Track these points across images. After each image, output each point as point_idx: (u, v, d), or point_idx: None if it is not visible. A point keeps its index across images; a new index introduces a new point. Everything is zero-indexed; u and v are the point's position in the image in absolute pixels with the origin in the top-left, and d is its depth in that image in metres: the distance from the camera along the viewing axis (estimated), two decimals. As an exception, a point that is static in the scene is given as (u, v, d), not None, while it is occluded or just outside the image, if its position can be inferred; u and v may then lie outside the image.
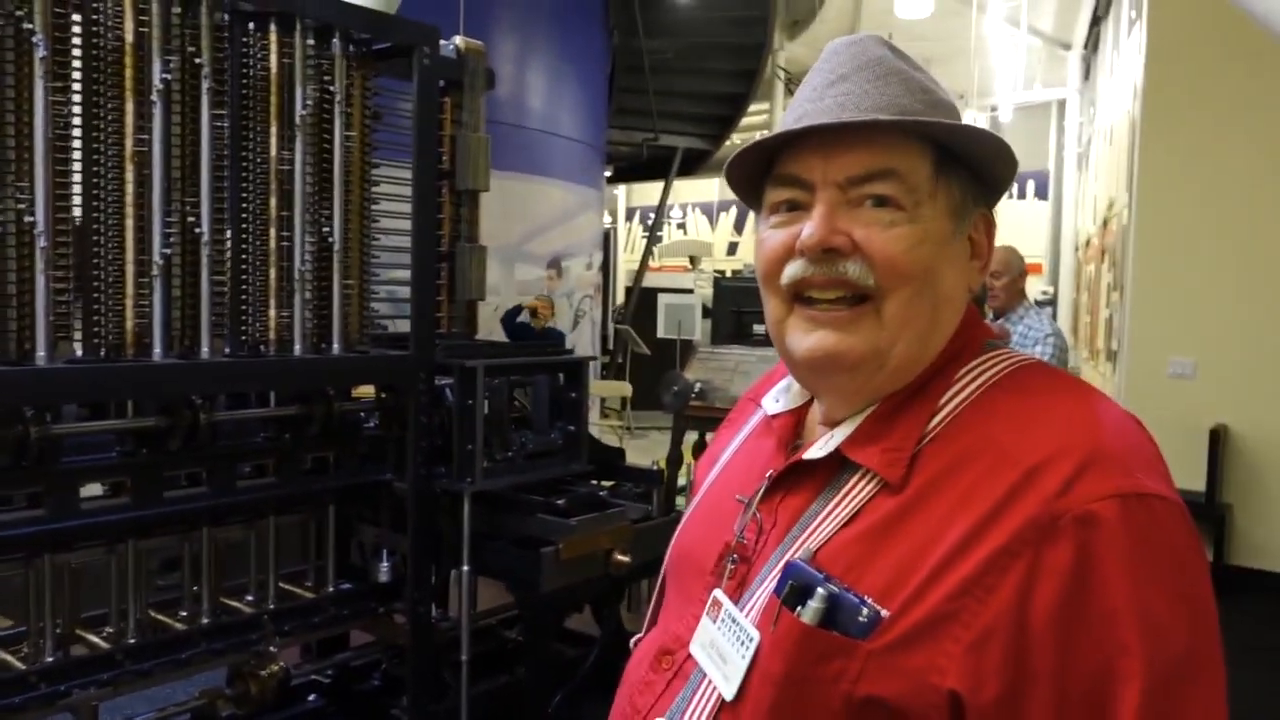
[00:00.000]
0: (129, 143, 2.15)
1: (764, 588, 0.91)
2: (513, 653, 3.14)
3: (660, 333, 8.51)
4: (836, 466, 0.93)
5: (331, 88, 2.51)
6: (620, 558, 2.76)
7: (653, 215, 14.64)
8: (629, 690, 1.00)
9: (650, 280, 10.57)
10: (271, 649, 2.49)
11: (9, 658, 2.11)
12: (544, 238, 7.74)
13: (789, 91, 11.63)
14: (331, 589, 2.66)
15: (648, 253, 10.35)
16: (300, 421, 2.52)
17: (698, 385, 4.43)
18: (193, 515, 2.34)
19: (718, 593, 0.96)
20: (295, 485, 2.52)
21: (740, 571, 0.95)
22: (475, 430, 2.63)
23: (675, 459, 3.66)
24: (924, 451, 0.89)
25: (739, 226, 16.76)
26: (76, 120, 2.10)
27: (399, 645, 2.85)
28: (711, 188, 16.12)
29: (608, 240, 9.47)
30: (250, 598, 2.53)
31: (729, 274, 11.94)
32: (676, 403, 3.78)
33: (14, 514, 2.05)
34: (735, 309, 6.20)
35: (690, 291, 9.84)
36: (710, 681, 0.91)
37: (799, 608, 0.83)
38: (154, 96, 2.17)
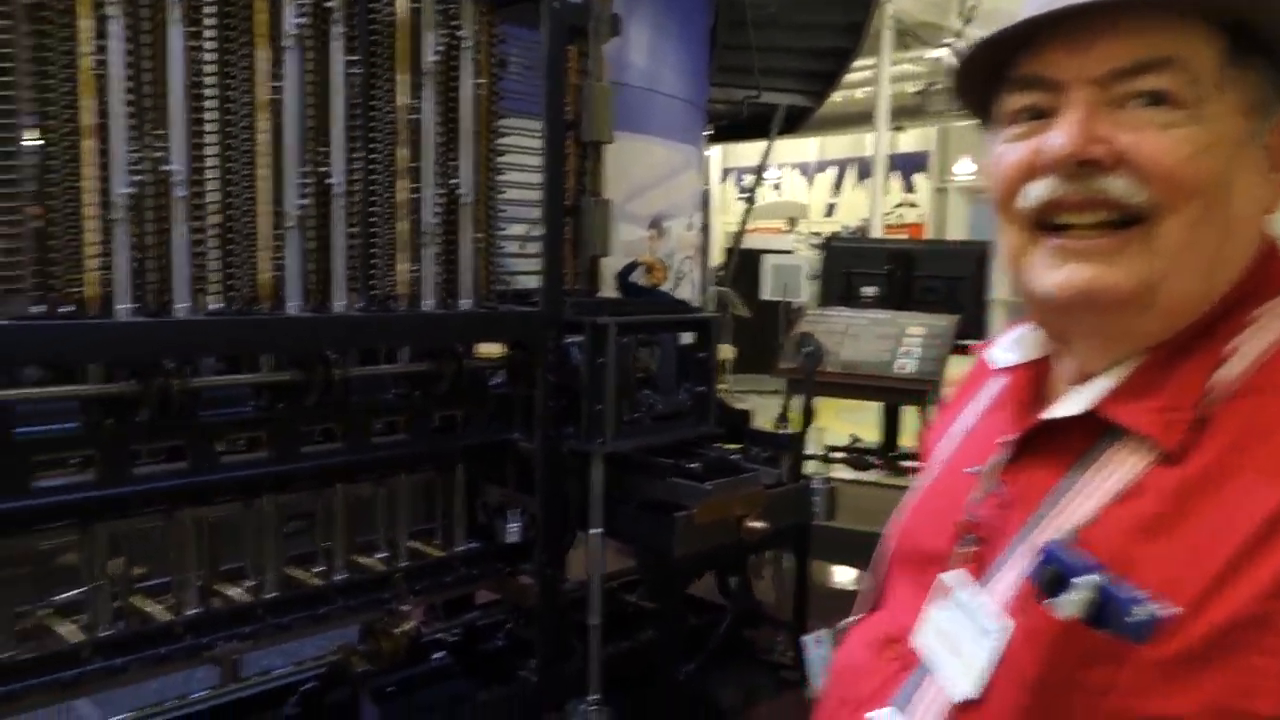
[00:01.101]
0: (263, 91, 2.11)
1: (1009, 573, 0.77)
2: (632, 617, 3.07)
3: (765, 295, 8.32)
4: (1094, 430, 0.78)
5: (460, 33, 2.43)
6: (753, 524, 2.65)
7: (747, 176, 14.37)
8: (845, 675, 0.89)
9: (748, 242, 10.37)
10: (404, 607, 2.47)
11: (156, 607, 2.11)
12: (645, 197, 7.62)
13: (901, 45, 11.20)
14: (460, 548, 2.62)
15: (748, 214, 10.14)
16: (431, 378, 2.46)
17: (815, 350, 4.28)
18: (327, 471, 2.31)
19: (951, 576, 0.83)
20: (426, 443, 2.47)
21: (979, 554, 0.82)
22: (606, 390, 2.54)
23: (807, 422, 3.53)
24: (1214, 412, 0.73)
25: (838, 186, 16.34)
26: (209, 68, 2.06)
27: (524, 606, 2.81)
28: (809, 147, 15.72)
29: (707, 201, 9.29)
30: (382, 555, 2.50)
31: (830, 235, 11.66)
32: (810, 364, 3.64)
33: (156, 467, 2.03)
34: (845, 270, 5.97)
35: (790, 253, 9.61)
36: (942, 675, 0.79)
37: (1057, 598, 0.69)
38: (287, 43, 2.12)
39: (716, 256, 11.97)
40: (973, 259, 5.62)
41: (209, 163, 2.05)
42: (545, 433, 2.57)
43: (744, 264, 9.61)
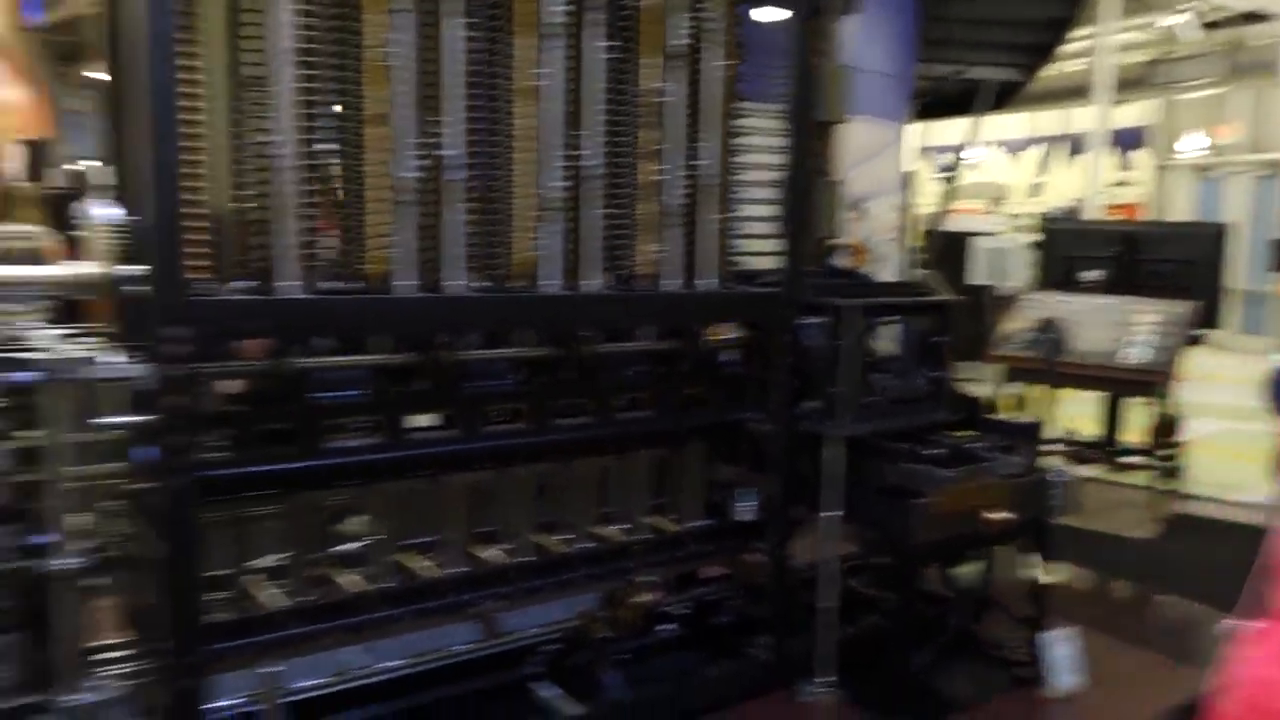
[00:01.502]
0: (526, 78, 2.20)
1: None
2: (859, 602, 3.03)
3: (975, 279, 7.98)
4: None
5: (705, 16, 2.45)
6: (994, 515, 2.56)
7: (942, 155, 13.78)
8: (1263, 688, 0.84)
9: (948, 223, 9.96)
10: (644, 578, 2.54)
11: (423, 564, 2.26)
12: (848, 178, 7.46)
13: (1129, 11, 10.41)
14: (694, 524, 2.67)
15: (950, 195, 9.76)
16: (673, 356, 2.52)
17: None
18: (576, 444, 2.40)
19: None
20: (668, 420, 2.53)
21: None
22: (845, 372, 2.52)
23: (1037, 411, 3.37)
24: None
25: (1045, 164, 15.45)
26: (478, 58, 2.16)
27: (753, 584, 2.83)
28: (1014, 123, 14.91)
29: (908, 182, 9.00)
30: (620, 527, 2.57)
31: (1044, 216, 11.04)
32: (1051, 352, 3.47)
33: (429, 434, 2.18)
34: (1064, 253, 5.63)
35: (997, 235, 9.17)
36: None
37: None
38: (549, 30, 2.20)
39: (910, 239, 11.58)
40: (1207, 242, 5.18)
41: (475, 148, 2.16)
42: (781, 413, 2.58)
43: (946, 246, 9.25)
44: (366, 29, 1.99)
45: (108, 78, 2.04)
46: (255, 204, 1.91)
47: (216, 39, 1.85)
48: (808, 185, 2.73)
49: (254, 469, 1.97)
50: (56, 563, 1.71)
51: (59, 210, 7.98)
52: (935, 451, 2.53)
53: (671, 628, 2.82)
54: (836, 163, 2.95)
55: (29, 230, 5.85)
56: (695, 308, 2.51)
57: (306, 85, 1.93)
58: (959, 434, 2.97)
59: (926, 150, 16.74)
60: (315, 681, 2.31)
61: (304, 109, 1.93)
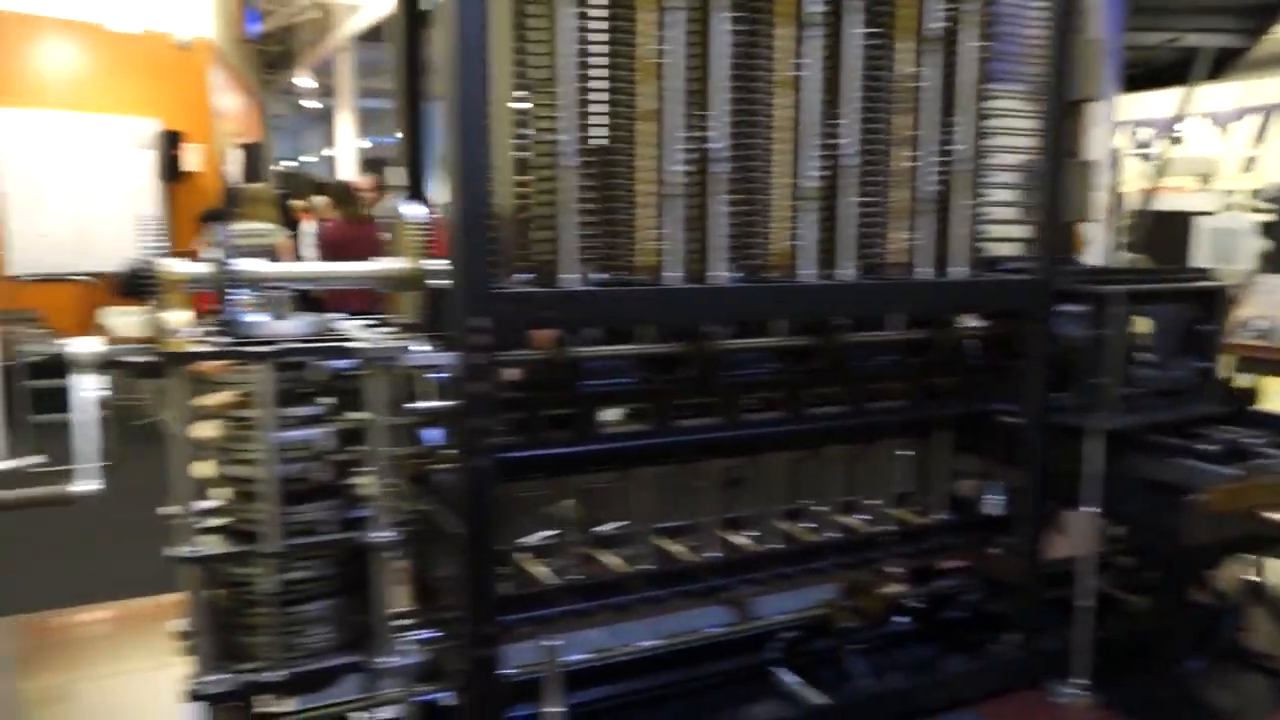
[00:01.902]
0: (785, 69, 2.21)
1: None
2: (1108, 602, 2.90)
3: (1197, 262, 7.45)
4: None
5: (961, -2, 2.38)
6: (1275, 515, 2.39)
7: (1144, 130, 12.91)
8: None
9: (1155, 202, 9.30)
10: (890, 570, 2.52)
11: (677, 548, 2.32)
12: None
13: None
14: (940, 517, 2.62)
15: (1160, 172, 9.11)
16: (924, 346, 2.48)
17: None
18: (826, 433, 2.41)
19: None
20: (918, 410, 2.50)
21: None
22: (1107, 362, 2.41)
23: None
24: None
25: (1260, 137, 14.21)
26: (740, 51, 2.18)
27: (998, 579, 2.76)
28: (1224, 94, 13.78)
29: (1116, 159, 8.47)
30: (863, 517, 2.56)
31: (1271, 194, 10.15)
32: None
33: (690, 421, 2.23)
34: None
35: (1215, 215, 8.52)
36: None
37: None
38: (810, 20, 2.20)
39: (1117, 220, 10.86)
40: None
41: (737, 140, 2.19)
42: (1035, 405, 2.50)
43: (1156, 228, 8.66)
44: (640, 28, 2.05)
45: (402, 86, 2.18)
46: (538, 200, 2.00)
47: (503, 44, 1.95)
48: (1061, 168, 2.62)
49: (536, 452, 2.06)
50: (374, 535, 1.85)
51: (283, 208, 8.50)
52: (1208, 447, 2.39)
53: (907, 620, 2.79)
54: (1087, 143, 2.81)
55: (264, 228, 6.36)
56: (948, 296, 2.46)
57: (584, 85, 2.00)
58: (1226, 428, 2.79)
59: (1125, 125, 15.71)
60: (575, 657, 2.41)
61: (583, 108, 2.01)
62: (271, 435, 1.75)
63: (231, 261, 1.78)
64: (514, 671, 2.20)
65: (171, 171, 10.40)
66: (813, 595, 2.74)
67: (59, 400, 5.93)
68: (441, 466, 1.97)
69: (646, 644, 2.53)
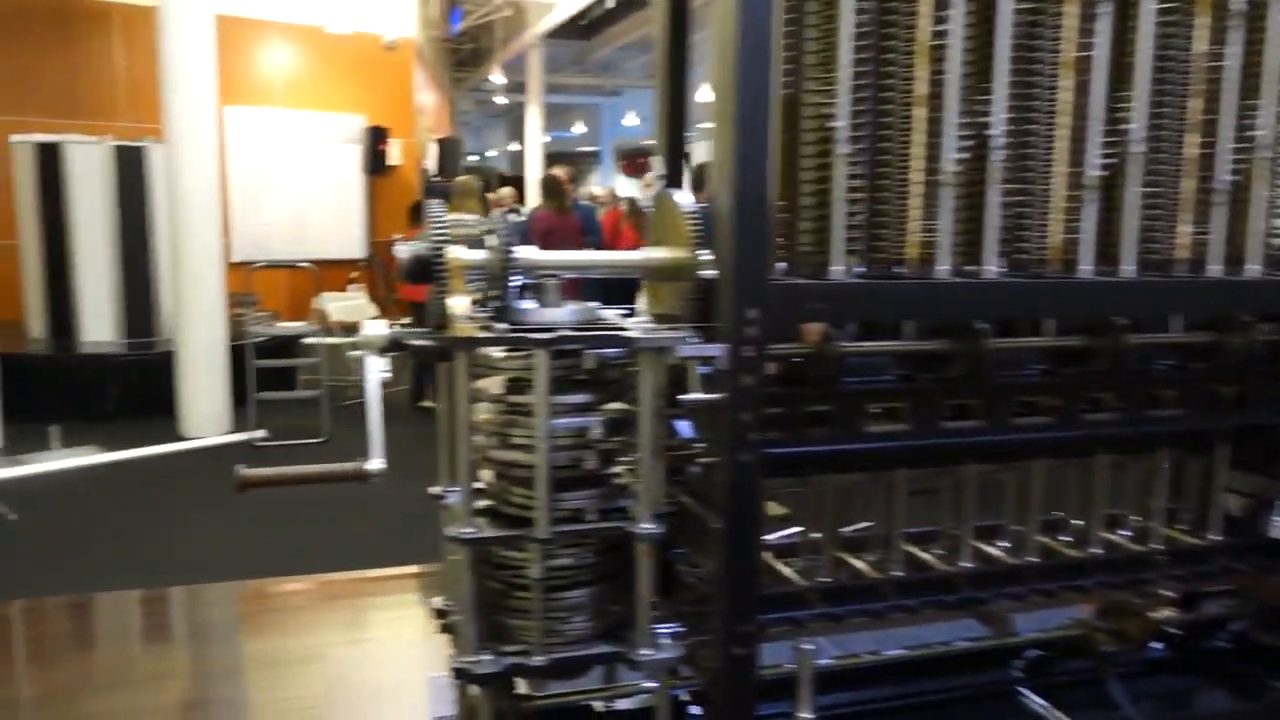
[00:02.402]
0: (1070, 48, 2.05)
1: None
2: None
3: None
4: None
5: (1273, -36, 2.15)
6: None
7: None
8: None
9: None
10: (1165, 592, 2.33)
11: (931, 557, 2.22)
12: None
13: None
14: (1216, 538, 2.40)
15: None
16: (1207, 351, 2.26)
17: None
18: (1096, 441, 2.24)
19: None
20: (1198, 420, 2.28)
21: None
22: None
23: None
24: None
25: None
26: (1020, 30, 2.04)
27: (1270, 608, 2.51)
28: None
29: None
30: (1122, 534, 2.37)
31: None
32: None
33: (958, 423, 2.11)
34: None
35: None
36: None
37: None
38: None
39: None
40: None
41: (1015, 126, 2.05)
42: (1340, 420, 2.24)
43: None
44: (920, 8, 1.95)
45: (664, 76, 2.16)
46: (806, 189, 1.94)
47: (778, 28, 1.89)
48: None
49: (793, 449, 2.00)
50: (640, 526, 1.84)
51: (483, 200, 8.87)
52: None
53: (1160, 646, 2.57)
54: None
55: (472, 219, 6.57)
56: (1240, 296, 2.23)
57: (860, 69, 1.92)
58: None
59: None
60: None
61: (857, 93, 1.93)
62: (547, 422, 1.76)
63: (511, 248, 1.80)
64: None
65: (377, 165, 11.01)
66: (1059, 614, 2.57)
67: (282, 379, 6.46)
68: (701, 460, 1.93)
69: (891, 652, 2.43)
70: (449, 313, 1.78)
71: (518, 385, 1.84)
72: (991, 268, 2.05)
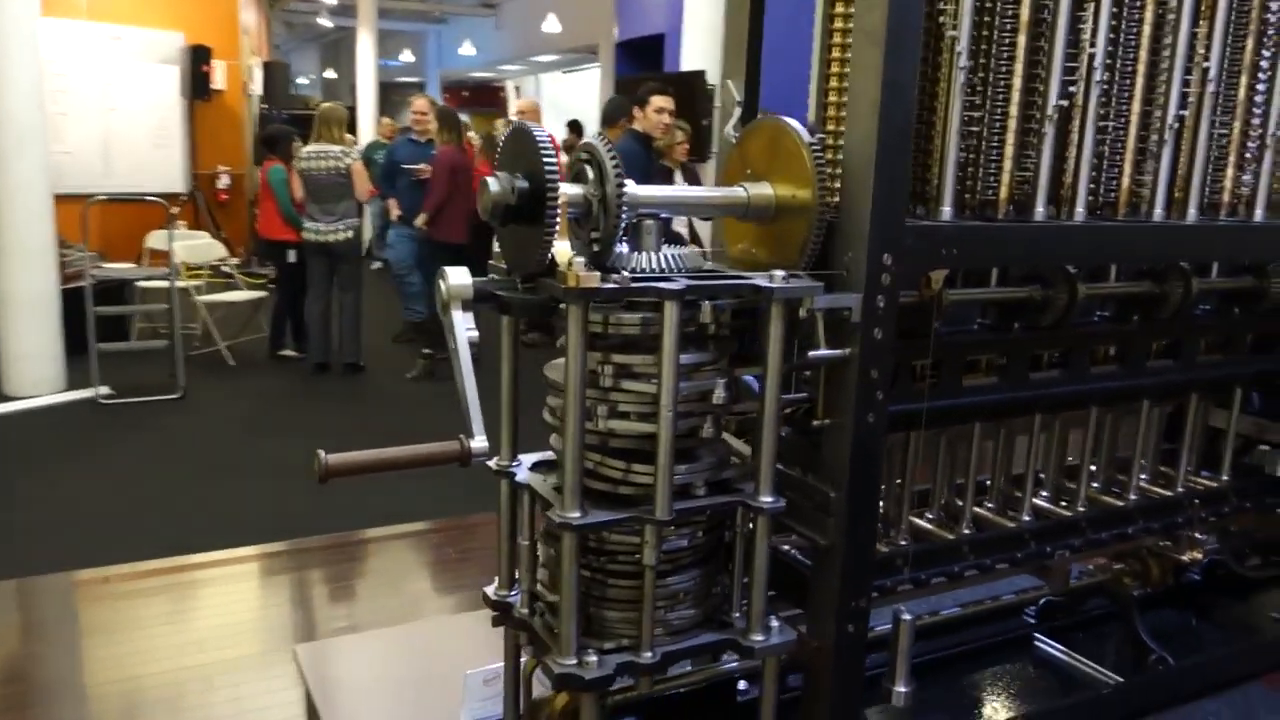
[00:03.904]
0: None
1: None
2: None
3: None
4: None
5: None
6: None
7: None
8: None
9: None
10: (1198, 535, 2.36)
11: (991, 514, 2.14)
12: None
13: None
14: (1227, 480, 2.45)
15: None
16: (1252, 296, 2.28)
17: None
18: (1154, 388, 2.22)
19: None
20: (1241, 366, 2.31)
21: None
22: None
23: None
24: None
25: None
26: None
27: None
28: None
29: None
30: (1143, 479, 2.39)
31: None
32: None
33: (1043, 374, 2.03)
34: None
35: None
36: None
37: None
38: (1189, -72, 1.95)
39: None
40: None
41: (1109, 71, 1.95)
42: (1356, 362, 2.31)
43: None
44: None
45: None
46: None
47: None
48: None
49: (910, 405, 1.84)
50: (763, 500, 1.63)
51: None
52: None
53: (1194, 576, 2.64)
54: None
55: (337, 150, 5.99)
56: (1248, 241, 2.25)
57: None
58: None
59: None
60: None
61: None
62: (674, 385, 1.51)
63: (624, 182, 1.53)
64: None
65: (199, 89, 9.90)
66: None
67: (116, 329, 5.67)
68: (815, 421, 1.74)
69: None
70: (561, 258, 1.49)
71: (622, 343, 1.58)
72: (1080, 210, 1.95)
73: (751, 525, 1.68)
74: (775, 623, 1.71)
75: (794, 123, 1.68)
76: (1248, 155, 2.17)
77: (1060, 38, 1.84)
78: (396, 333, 7.66)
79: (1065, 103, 1.87)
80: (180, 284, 6.04)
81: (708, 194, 1.73)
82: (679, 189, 1.79)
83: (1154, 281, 2.12)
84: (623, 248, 1.62)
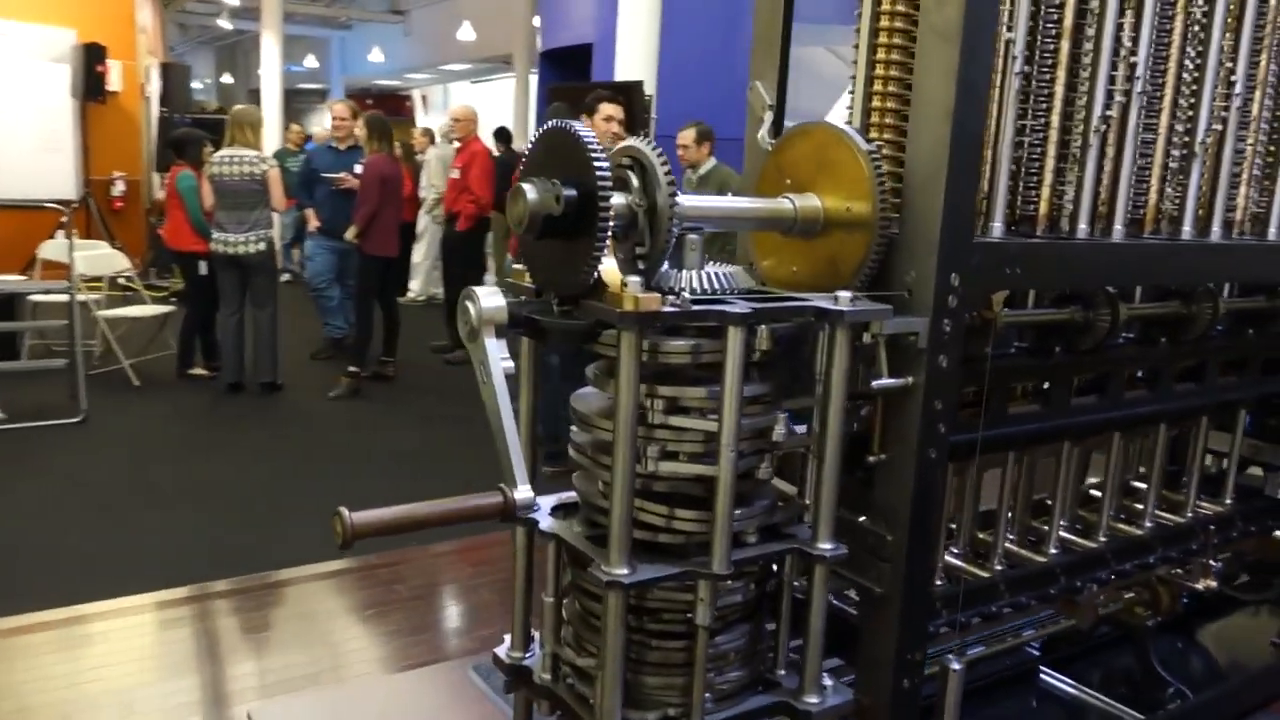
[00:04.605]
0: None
1: None
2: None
3: None
4: None
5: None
6: None
7: None
8: None
9: None
10: (1211, 563, 2.29)
11: (1024, 551, 2.03)
12: None
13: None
14: (1230, 503, 2.40)
15: None
16: (1262, 317, 2.22)
17: None
18: (1186, 412, 2.15)
19: None
20: (1252, 388, 2.25)
21: None
22: None
23: None
24: None
25: None
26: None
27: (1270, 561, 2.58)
28: None
29: None
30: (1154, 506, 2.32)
31: None
32: None
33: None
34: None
35: None
36: None
37: None
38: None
39: None
40: None
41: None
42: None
43: None
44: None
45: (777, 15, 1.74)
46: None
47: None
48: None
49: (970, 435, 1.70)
50: (821, 547, 1.47)
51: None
52: None
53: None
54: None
55: (252, 154, 5.66)
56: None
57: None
58: None
59: None
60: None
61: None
62: (735, 420, 1.34)
63: (676, 192, 1.35)
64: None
65: (93, 90, 9.27)
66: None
67: (4, 347, 5.10)
68: (870, 458, 1.58)
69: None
70: (601, 279, 1.30)
71: (663, 373, 1.40)
72: (1120, 228, 1.85)
73: (803, 574, 1.52)
74: (829, 681, 1.55)
75: (849, 129, 1.53)
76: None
77: (1107, 45, 1.74)
78: (315, 350, 7.26)
79: (1112, 113, 1.76)
80: (80, 298, 5.55)
81: (754, 205, 1.56)
82: (726, 200, 1.60)
83: (1182, 302, 2.04)
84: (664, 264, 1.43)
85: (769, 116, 1.73)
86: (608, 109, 4.45)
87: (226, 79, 24.09)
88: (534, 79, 13.89)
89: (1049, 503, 2.15)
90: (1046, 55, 1.71)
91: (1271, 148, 2.11)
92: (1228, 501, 2.41)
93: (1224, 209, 2.04)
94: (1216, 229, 2.04)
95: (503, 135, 9.28)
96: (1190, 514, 2.29)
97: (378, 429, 5.87)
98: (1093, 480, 2.23)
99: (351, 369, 6.35)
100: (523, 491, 1.27)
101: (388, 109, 23.24)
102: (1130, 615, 2.34)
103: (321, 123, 19.48)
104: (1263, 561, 2.59)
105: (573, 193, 1.28)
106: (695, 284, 1.42)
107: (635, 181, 1.38)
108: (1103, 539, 2.11)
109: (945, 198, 1.45)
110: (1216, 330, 2.19)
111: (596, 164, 1.27)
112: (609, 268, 1.33)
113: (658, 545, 1.45)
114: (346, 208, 6.40)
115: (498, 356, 1.30)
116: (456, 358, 7.30)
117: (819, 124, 1.59)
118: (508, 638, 1.67)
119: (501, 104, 16.82)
